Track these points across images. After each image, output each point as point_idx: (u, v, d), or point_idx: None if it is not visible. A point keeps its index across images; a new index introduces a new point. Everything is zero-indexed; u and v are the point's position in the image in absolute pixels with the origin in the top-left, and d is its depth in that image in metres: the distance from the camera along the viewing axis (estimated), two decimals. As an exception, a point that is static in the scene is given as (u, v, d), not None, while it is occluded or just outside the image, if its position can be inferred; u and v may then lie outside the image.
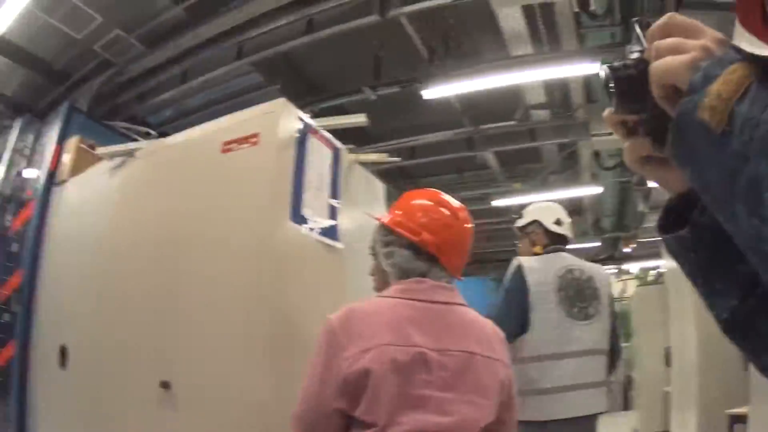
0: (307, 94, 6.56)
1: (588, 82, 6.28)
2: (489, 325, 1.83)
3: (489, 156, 8.22)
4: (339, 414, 1.59)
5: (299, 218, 2.38)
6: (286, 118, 2.47)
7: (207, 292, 2.43)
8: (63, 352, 3.45)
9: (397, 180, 8.76)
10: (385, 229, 1.83)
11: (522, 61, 5.55)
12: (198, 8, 5.45)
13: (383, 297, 1.75)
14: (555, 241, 3.34)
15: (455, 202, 1.86)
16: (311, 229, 2.43)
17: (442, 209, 1.81)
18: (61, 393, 3.59)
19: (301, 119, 2.54)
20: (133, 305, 2.88)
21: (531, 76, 5.73)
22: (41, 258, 4.17)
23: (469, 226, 1.86)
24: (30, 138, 5.42)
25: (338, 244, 2.58)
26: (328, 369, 1.60)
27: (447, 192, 1.90)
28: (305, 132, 2.51)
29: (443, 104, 6.47)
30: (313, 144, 2.56)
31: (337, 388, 1.57)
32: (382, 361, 1.55)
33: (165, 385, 2.40)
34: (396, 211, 1.85)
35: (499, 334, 1.83)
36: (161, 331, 2.59)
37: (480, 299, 3.43)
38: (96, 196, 3.71)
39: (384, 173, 5.59)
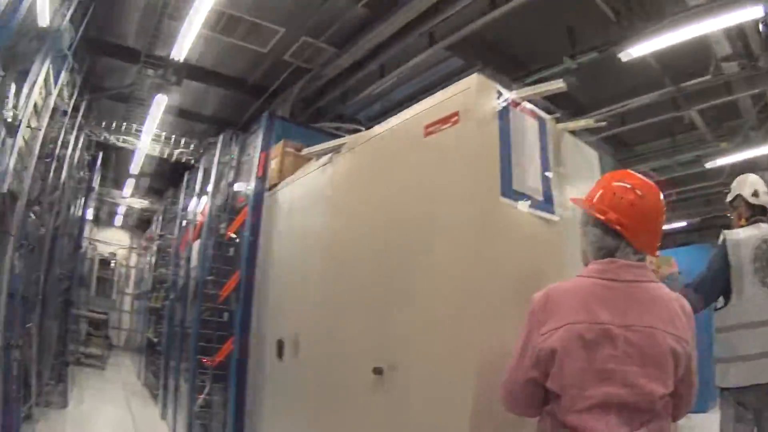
0: (510, 71, 6.62)
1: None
2: (675, 300, 1.94)
3: (694, 115, 7.85)
4: (533, 383, 1.88)
5: (511, 193, 2.37)
6: (483, 93, 2.46)
7: (421, 276, 2.48)
8: (280, 345, 3.76)
9: (613, 148, 8.77)
10: (583, 210, 2.04)
11: (701, 11, 5.38)
12: (378, 4, 5.69)
13: (580, 277, 1.95)
14: (756, 213, 3.51)
15: (645, 182, 1.99)
16: (525, 203, 2.41)
17: (631, 189, 1.96)
18: (279, 383, 3.90)
19: (500, 92, 2.53)
20: (346, 296, 3.04)
21: (711, 26, 5.56)
22: (257, 259, 4.55)
23: (659, 204, 1.99)
24: (235, 150, 5.94)
25: (554, 217, 2.52)
26: (527, 342, 1.89)
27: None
28: (506, 105, 2.50)
29: (642, 66, 6.30)
30: (516, 116, 2.53)
31: (533, 360, 1.86)
32: (570, 338, 1.79)
33: (378, 371, 2.50)
34: (593, 191, 2.02)
35: (686, 309, 1.95)
36: (374, 319, 2.70)
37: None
38: (307, 194, 3.97)
39: (599, 143, 5.52)
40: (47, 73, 3.97)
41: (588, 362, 1.77)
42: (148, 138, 8.52)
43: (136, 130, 8.45)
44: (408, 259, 2.58)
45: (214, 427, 5.07)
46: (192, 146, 8.48)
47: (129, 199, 13.30)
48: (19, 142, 3.60)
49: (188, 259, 6.40)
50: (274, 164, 4.59)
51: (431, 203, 2.50)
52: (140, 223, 15.75)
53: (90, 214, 9.47)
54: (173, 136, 8.43)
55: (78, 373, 9.68)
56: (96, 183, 8.33)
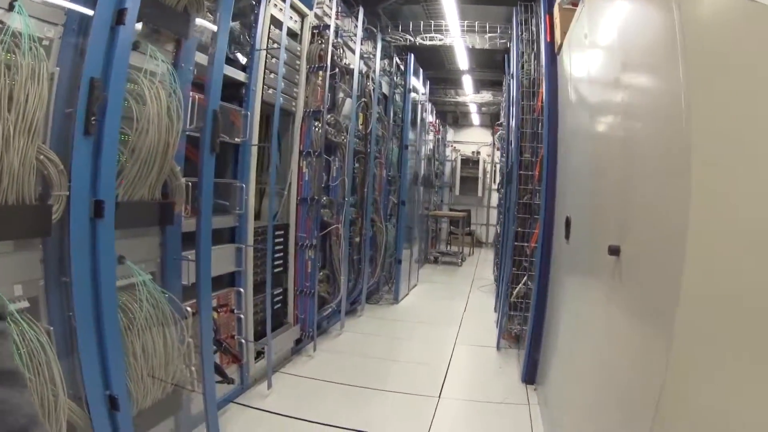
0: None
1: None
2: None
3: None
4: None
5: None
6: None
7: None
8: (567, 224, 3.56)
9: None
10: None
11: None
12: None
13: None
14: None
15: None
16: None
17: None
18: (563, 266, 3.74)
19: None
20: (601, 171, 2.69)
21: None
22: (558, 134, 4.35)
23: None
24: (531, 24, 5.74)
25: None
26: None
27: None
28: None
29: None
30: None
31: None
32: None
33: (614, 252, 2.17)
34: None
35: None
36: (617, 198, 2.35)
37: None
38: (575, 51, 3.63)
39: None
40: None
41: None
42: (456, 31, 8.51)
43: (436, 27, 8.55)
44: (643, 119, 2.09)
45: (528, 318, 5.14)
46: (499, 30, 8.32)
47: (470, 96, 13.69)
48: (259, 65, 4.09)
49: (510, 143, 6.44)
50: (557, 25, 4.28)
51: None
52: (496, 119, 16.21)
53: (428, 116, 10.04)
54: (476, 23, 8.33)
55: (432, 271, 10.66)
56: (417, 84, 8.61)
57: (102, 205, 2.37)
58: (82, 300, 2.32)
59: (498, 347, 5.57)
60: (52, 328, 2.25)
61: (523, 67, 5.66)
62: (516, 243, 5.41)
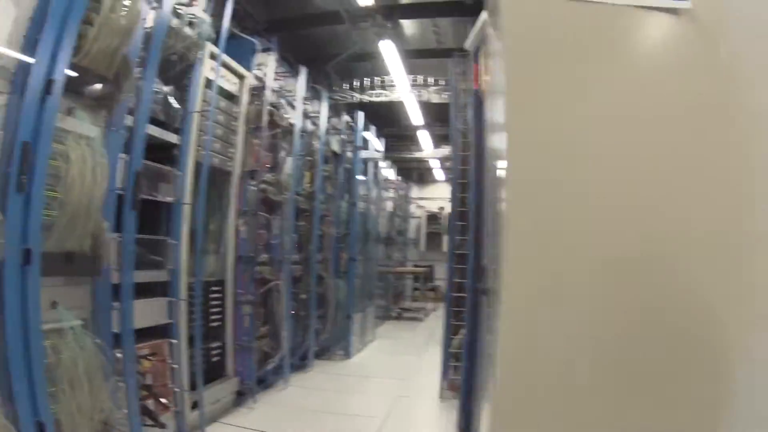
0: None
1: None
2: None
3: None
4: None
5: None
6: None
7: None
8: (482, 271, 3.86)
9: None
10: None
11: None
12: None
13: None
14: None
15: None
16: None
17: None
18: (484, 311, 3.98)
19: None
20: None
21: None
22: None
23: None
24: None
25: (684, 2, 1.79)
26: None
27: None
28: None
29: None
30: None
31: None
32: None
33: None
34: None
35: None
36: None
37: None
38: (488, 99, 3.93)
39: None
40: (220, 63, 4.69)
41: None
42: (405, 86, 8.62)
43: (381, 83, 8.84)
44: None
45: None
46: (445, 83, 8.40)
47: (428, 151, 13.89)
48: (192, 127, 4.41)
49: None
50: (483, 72, 4.55)
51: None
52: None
53: (385, 173, 10.25)
54: (420, 77, 8.54)
55: (393, 327, 10.84)
56: (372, 140, 8.95)
57: (30, 252, 2.73)
58: (14, 336, 2.68)
59: (441, 398, 5.70)
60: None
61: (464, 118, 5.91)
62: (453, 294, 5.68)
